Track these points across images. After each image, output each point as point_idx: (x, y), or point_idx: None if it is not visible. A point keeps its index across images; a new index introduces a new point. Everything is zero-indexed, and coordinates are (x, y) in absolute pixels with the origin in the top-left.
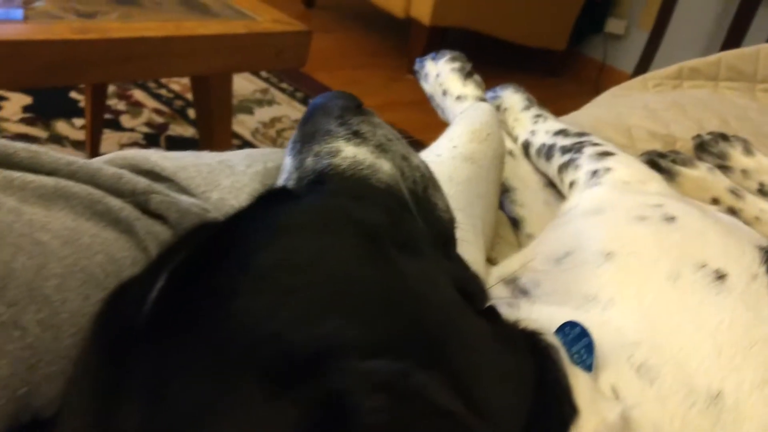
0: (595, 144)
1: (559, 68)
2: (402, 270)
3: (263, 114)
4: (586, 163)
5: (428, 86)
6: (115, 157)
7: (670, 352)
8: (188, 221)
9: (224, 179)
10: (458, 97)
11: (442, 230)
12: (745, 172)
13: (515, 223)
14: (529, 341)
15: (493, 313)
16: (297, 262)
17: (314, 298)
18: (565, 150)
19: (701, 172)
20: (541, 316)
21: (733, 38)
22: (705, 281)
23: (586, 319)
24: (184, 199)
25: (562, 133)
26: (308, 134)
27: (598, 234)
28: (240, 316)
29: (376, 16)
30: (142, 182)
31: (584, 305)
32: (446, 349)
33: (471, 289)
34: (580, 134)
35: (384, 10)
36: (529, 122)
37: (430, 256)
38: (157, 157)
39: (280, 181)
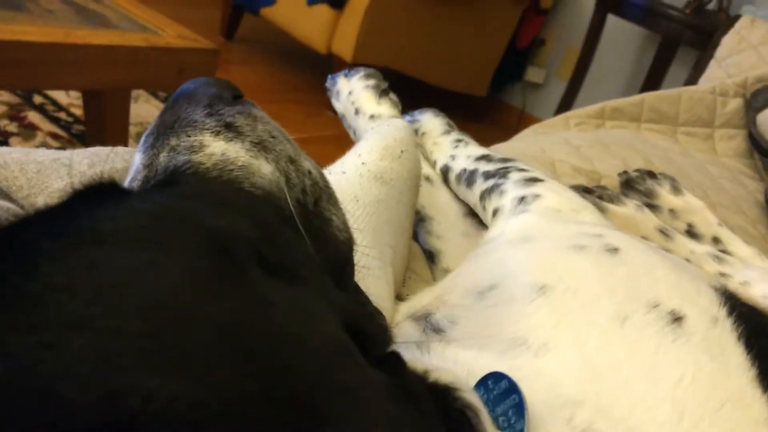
0: (522, 169)
1: (479, 114)
2: (265, 298)
3: None
4: (512, 189)
5: (340, 105)
6: None
7: (620, 414)
8: None
9: (56, 181)
10: (372, 117)
11: (336, 253)
12: (672, 211)
13: (431, 257)
14: (441, 400)
15: (395, 362)
16: (96, 283)
17: (110, 335)
18: (488, 175)
19: (629, 210)
20: (458, 362)
21: (650, 89)
22: (659, 324)
23: (513, 367)
24: None
25: (485, 158)
26: (166, 125)
27: (528, 264)
28: None
29: (298, 51)
30: None
31: (511, 350)
32: (318, 414)
33: (368, 328)
34: (505, 159)
35: (306, 46)
36: (449, 147)
37: (315, 283)
38: None
39: (125, 181)
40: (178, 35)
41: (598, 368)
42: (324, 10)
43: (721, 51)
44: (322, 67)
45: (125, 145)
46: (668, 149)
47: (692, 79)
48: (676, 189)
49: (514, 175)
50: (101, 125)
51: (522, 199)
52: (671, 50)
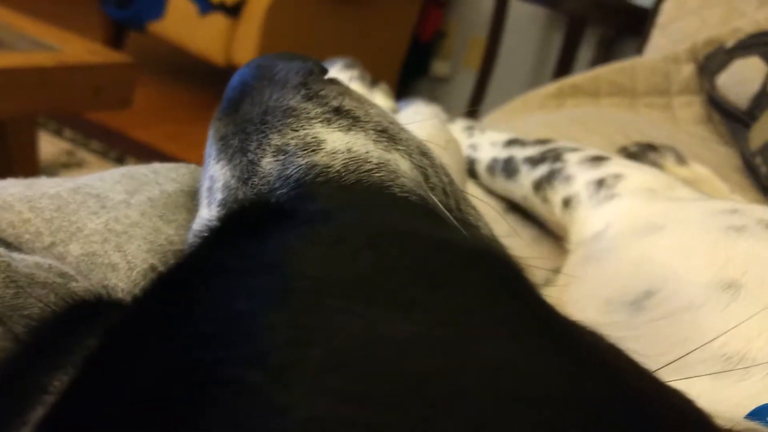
0: (575, 149)
1: None
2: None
3: None
4: (579, 172)
5: None
6: None
7: None
8: (36, 303)
9: (90, 219)
10: None
11: None
12: None
13: None
14: None
15: None
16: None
17: None
18: (534, 161)
19: None
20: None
21: (563, 70)
22: None
23: (748, 392)
24: (20, 258)
25: (516, 142)
26: (249, 119)
27: (688, 259)
28: None
29: (194, 65)
30: None
31: (730, 371)
32: None
33: None
34: (542, 141)
35: (203, 59)
36: (462, 136)
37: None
38: None
39: (211, 206)
40: (88, 50)
41: None
42: (219, 20)
43: (662, 18)
44: (222, 81)
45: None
46: (636, 122)
47: (603, 57)
48: (681, 159)
49: (572, 156)
50: (7, 159)
51: (601, 182)
52: (579, 30)
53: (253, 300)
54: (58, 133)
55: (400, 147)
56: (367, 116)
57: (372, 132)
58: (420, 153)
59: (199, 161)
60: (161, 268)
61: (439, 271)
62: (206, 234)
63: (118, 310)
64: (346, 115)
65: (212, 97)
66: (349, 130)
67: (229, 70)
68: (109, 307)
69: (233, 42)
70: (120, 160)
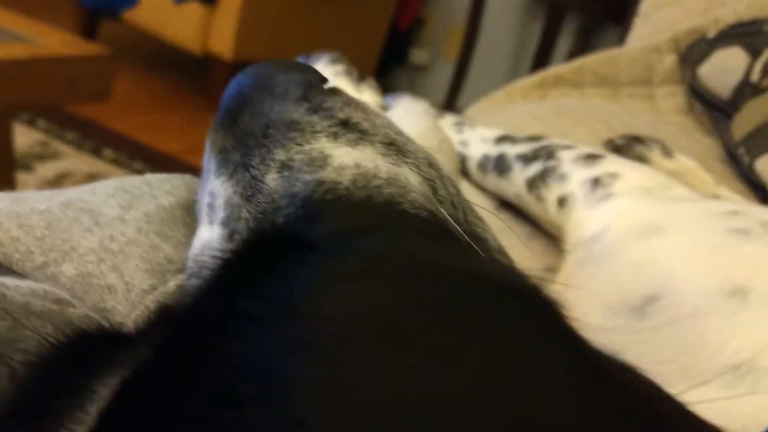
0: (568, 146)
1: None
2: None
3: (47, 170)
4: (573, 171)
5: None
6: None
7: None
8: (33, 335)
9: (84, 236)
10: None
11: None
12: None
13: None
14: None
15: None
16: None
17: None
18: (527, 159)
19: None
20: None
21: (542, 59)
22: None
23: (760, 404)
24: (14, 286)
25: (506, 139)
26: (250, 132)
27: (692, 263)
28: None
29: (170, 54)
30: None
31: (738, 380)
32: None
33: None
34: (533, 138)
35: (178, 48)
36: (452, 132)
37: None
38: None
39: (213, 224)
40: (63, 42)
41: None
42: (194, 8)
43: (644, 7)
44: (197, 69)
45: (12, 178)
46: (619, 112)
47: (583, 46)
48: (667, 152)
49: (566, 154)
50: None
51: (596, 181)
52: (559, 18)
53: (279, 352)
54: (31, 123)
55: (408, 160)
56: (374, 128)
57: (380, 145)
58: (428, 164)
59: (176, 151)
60: (161, 288)
61: (474, 311)
62: (219, 270)
63: (120, 342)
64: (353, 128)
65: (188, 87)
66: (357, 144)
67: (206, 59)
68: (112, 338)
69: (209, 30)
70: (96, 151)
